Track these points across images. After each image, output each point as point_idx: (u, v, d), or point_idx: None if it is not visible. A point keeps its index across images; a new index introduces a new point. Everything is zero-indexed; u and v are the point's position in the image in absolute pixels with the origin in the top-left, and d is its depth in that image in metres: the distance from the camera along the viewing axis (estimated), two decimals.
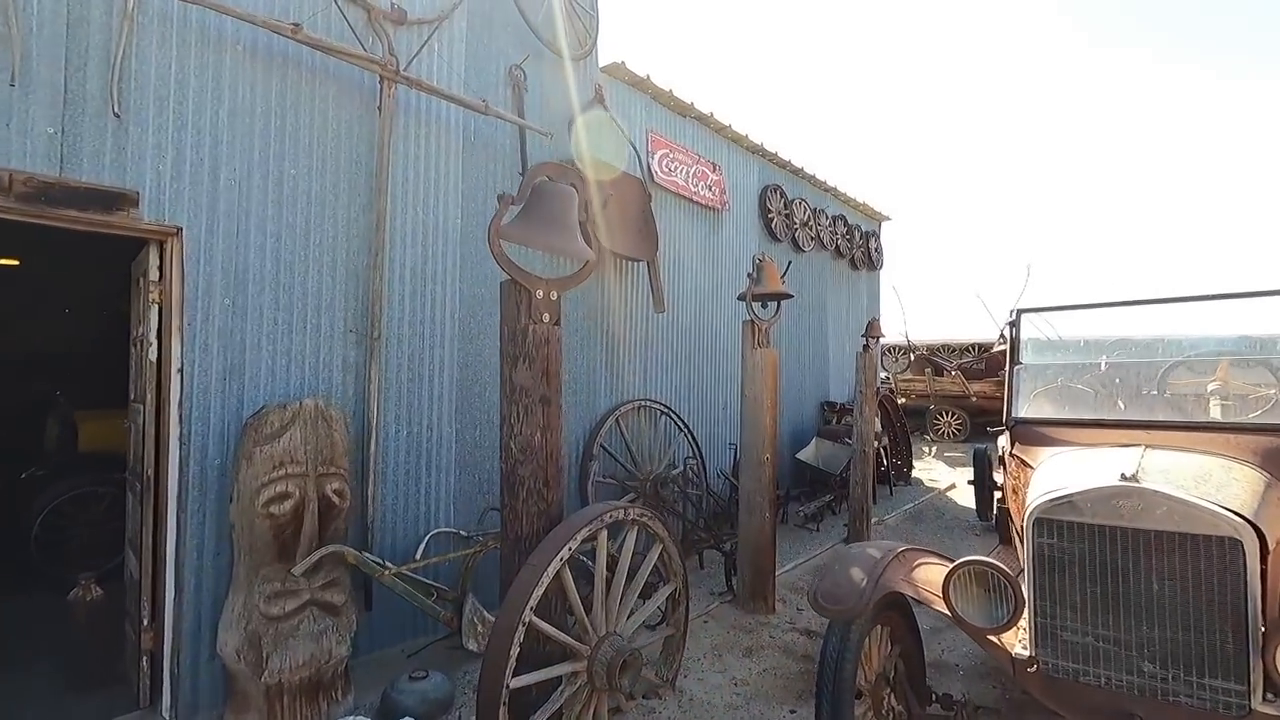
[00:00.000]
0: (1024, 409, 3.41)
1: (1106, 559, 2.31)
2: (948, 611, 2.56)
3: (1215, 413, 3.20)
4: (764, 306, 5.37)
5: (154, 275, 3.50)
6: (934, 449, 14.05)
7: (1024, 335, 3.46)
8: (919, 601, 2.67)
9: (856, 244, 10.66)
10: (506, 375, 3.23)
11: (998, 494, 8.06)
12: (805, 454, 8.05)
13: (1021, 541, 2.72)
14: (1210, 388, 3.32)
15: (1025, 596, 2.45)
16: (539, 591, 2.88)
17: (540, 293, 3.23)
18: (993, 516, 7.90)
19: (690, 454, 6.79)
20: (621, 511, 3.36)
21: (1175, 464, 2.56)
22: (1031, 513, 2.48)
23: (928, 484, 10.77)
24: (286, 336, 3.86)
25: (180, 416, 3.45)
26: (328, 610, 3.38)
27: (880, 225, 11.90)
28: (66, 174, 3.07)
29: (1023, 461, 3.29)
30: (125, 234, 3.31)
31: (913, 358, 15.38)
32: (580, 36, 5.76)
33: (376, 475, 4.21)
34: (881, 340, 7.40)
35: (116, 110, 3.20)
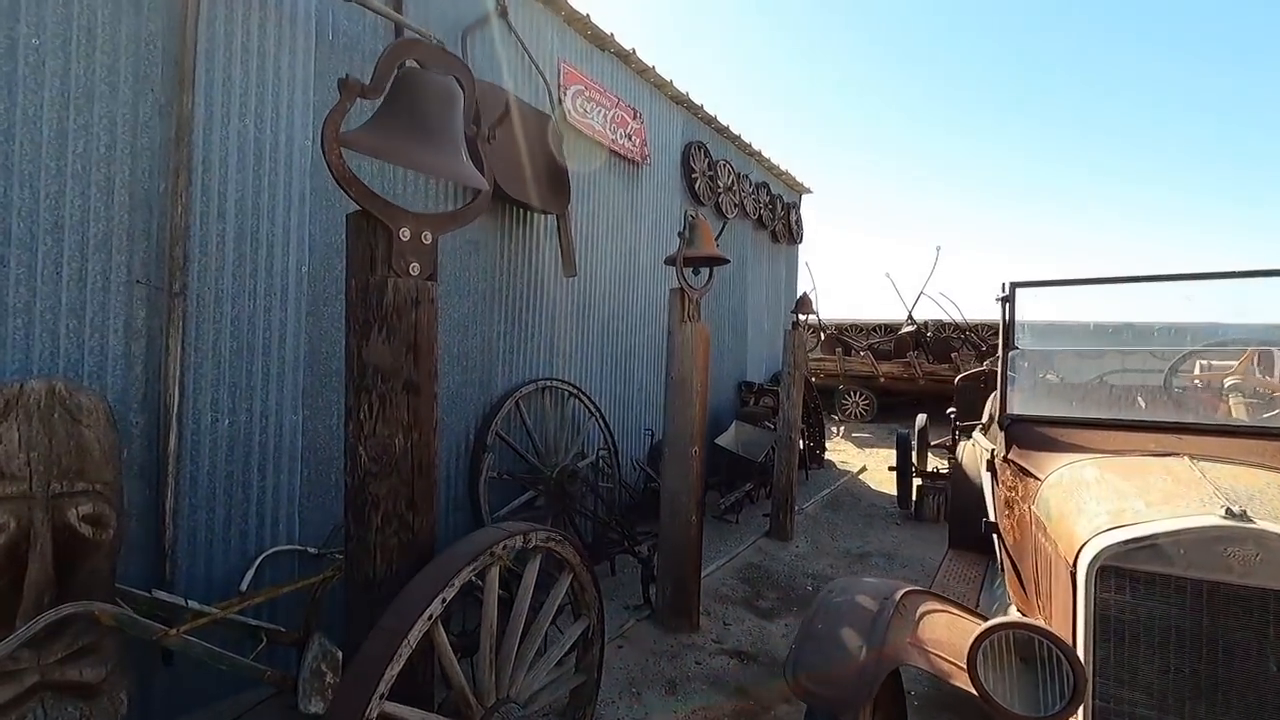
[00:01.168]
0: (1021, 404, 2.79)
1: (1203, 626, 1.65)
2: (973, 690, 1.84)
3: (1240, 413, 2.70)
4: (695, 273, 4.55)
5: None
6: (842, 429, 13.96)
7: (1019, 315, 2.83)
8: (932, 674, 1.94)
9: (778, 215, 10.07)
10: (353, 350, 2.22)
11: (917, 480, 7.80)
12: (724, 439, 7.40)
13: (1044, 589, 2.05)
14: (1228, 383, 2.84)
15: (1085, 673, 1.76)
16: (395, 668, 1.95)
17: (406, 231, 2.23)
18: (913, 505, 7.60)
19: (603, 442, 5.94)
20: (520, 538, 2.46)
21: (1265, 489, 1.95)
22: (1095, 558, 1.79)
23: (840, 467, 10.51)
24: (24, 286, 2.62)
25: None
26: (75, 692, 2.27)
27: (801, 197, 11.39)
28: None
29: (1023, 470, 2.65)
30: None
31: (823, 336, 15.21)
32: None
33: (179, 482, 3.06)
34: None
35: None
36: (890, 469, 8.06)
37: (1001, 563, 3.01)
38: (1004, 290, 2.90)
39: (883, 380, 13.94)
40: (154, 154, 2.98)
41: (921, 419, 8.81)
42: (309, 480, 3.65)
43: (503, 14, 4.84)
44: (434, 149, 2.22)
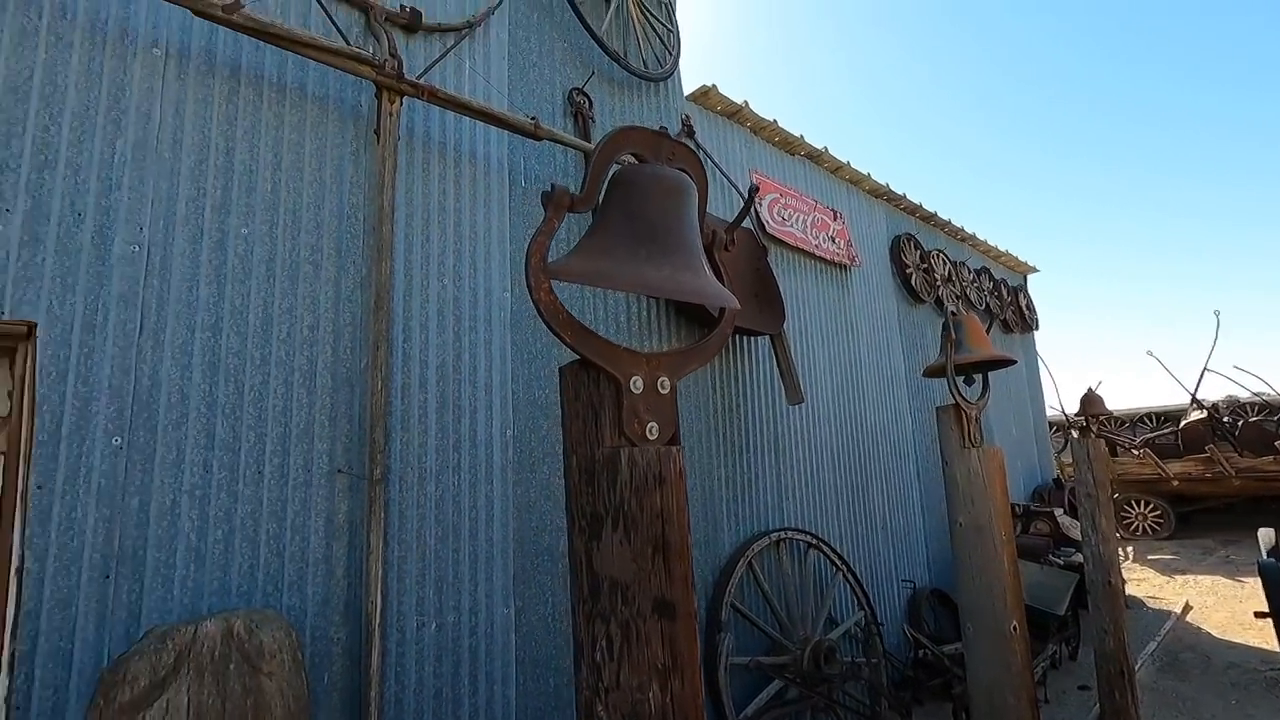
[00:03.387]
0: None
1: None
2: None
3: None
4: (968, 382, 3.54)
5: (1, 408, 2.10)
6: (1130, 551, 11.08)
7: None
8: None
9: (1006, 301, 8.64)
10: (580, 557, 1.55)
11: None
12: None
13: None
14: None
15: None
16: None
17: (639, 380, 1.58)
18: None
19: (856, 603, 4.77)
20: None
21: None
22: None
23: (1150, 604, 8.06)
24: (226, 490, 2.34)
25: (14, 656, 1.92)
26: None
27: (1026, 279, 9.84)
28: None
29: None
30: None
31: (1075, 435, 12.64)
32: (658, 53, 4.44)
33: (382, 709, 2.52)
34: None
35: None
36: (1259, 615, 5.82)
37: None
38: None
39: (1175, 484, 11.04)
40: (355, 329, 2.74)
41: (1267, 536, 6.48)
42: (526, 690, 2.97)
43: (689, 134, 4.51)
44: (668, 263, 1.59)
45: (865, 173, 6.26)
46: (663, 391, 1.64)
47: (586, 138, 3.79)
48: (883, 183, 6.50)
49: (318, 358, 2.63)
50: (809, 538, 4.60)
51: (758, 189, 3.71)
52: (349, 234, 2.80)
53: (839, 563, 4.74)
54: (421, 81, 2.87)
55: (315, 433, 2.57)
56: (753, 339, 4.64)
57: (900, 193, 6.76)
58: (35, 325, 2.05)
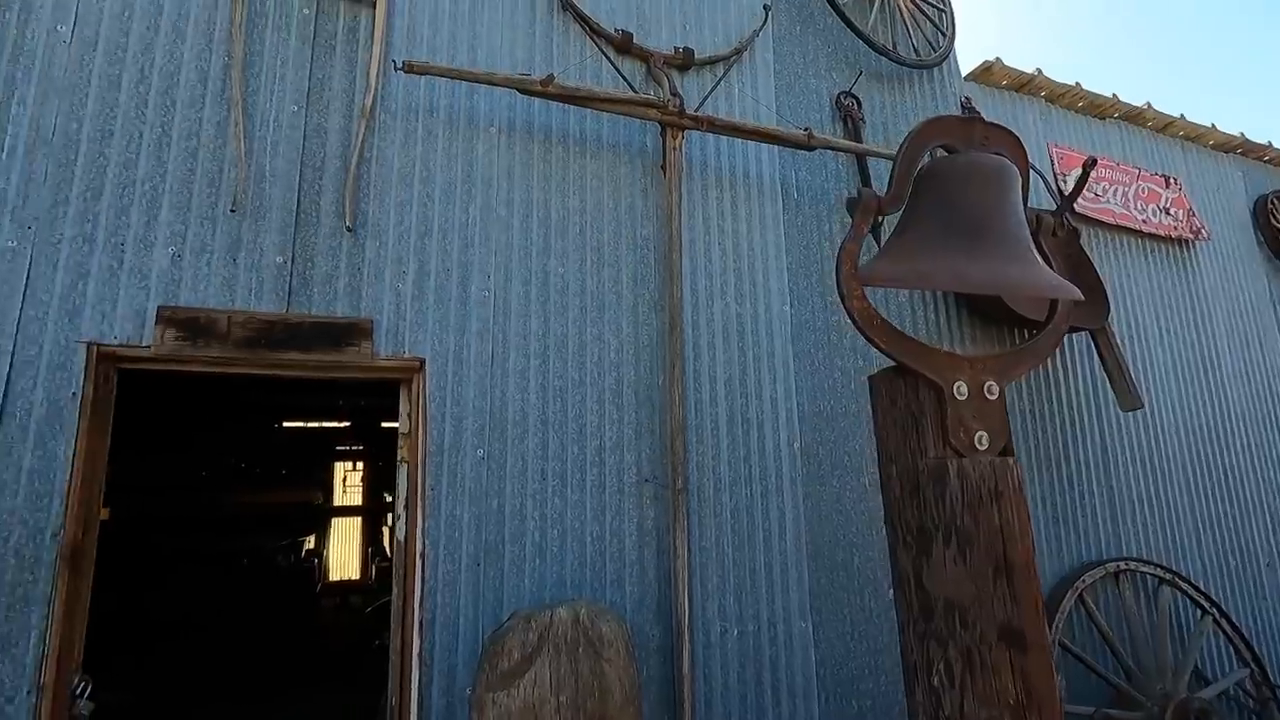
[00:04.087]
0: None
1: None
2: None
3: None
4: None
5: (404, 426, 2.69)
6: None
7: None
8: None
9: None
10: (906, 573, 1.49)
11: None
12: None
13: None
14: None
15: None
16: None
17: (963, 386, 1.47)
18: None
19: (1237, 657, 3.82)
20: None
21: None
22: None
23: None
24: (558, 496, 2.70)
25: (421, 622, 2.42)
26: None
27: None
28: (294, 308, 2.45)
29: None
30: (357, 376, 2.57)
31: None
32: (929, 37, 4.14)
33: (694, 707, 2.66)
34: None
35: (349, 224, 2.56)
36: None
37: None
38: None
39: None
40: (652, 349, 2.98)
41: None
42: (829, 711, 2.91)
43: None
44: (993, 256, 1.46)
45: (1207, 124, 5.09)
46: (990, 397, 1.51)
47: (857, 139, 3.67)
48: (1234, 133, 5.22)
49: (623, 378, 2.91)
50: (1160, 571, 3.81)
51: (1094, 162, 3.24)
52: (642, 263, 3.07)
53: (1206, 605, 3.84)
54: (700, 113, 3.05)
55: (624, 445, 2.84)
56: (1068, 335, 4.02)
57: (1263, 142, 5.36)
58: (424, 360, 2.60)
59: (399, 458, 2.66)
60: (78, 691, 2.06)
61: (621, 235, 3.06)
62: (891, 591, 3.07)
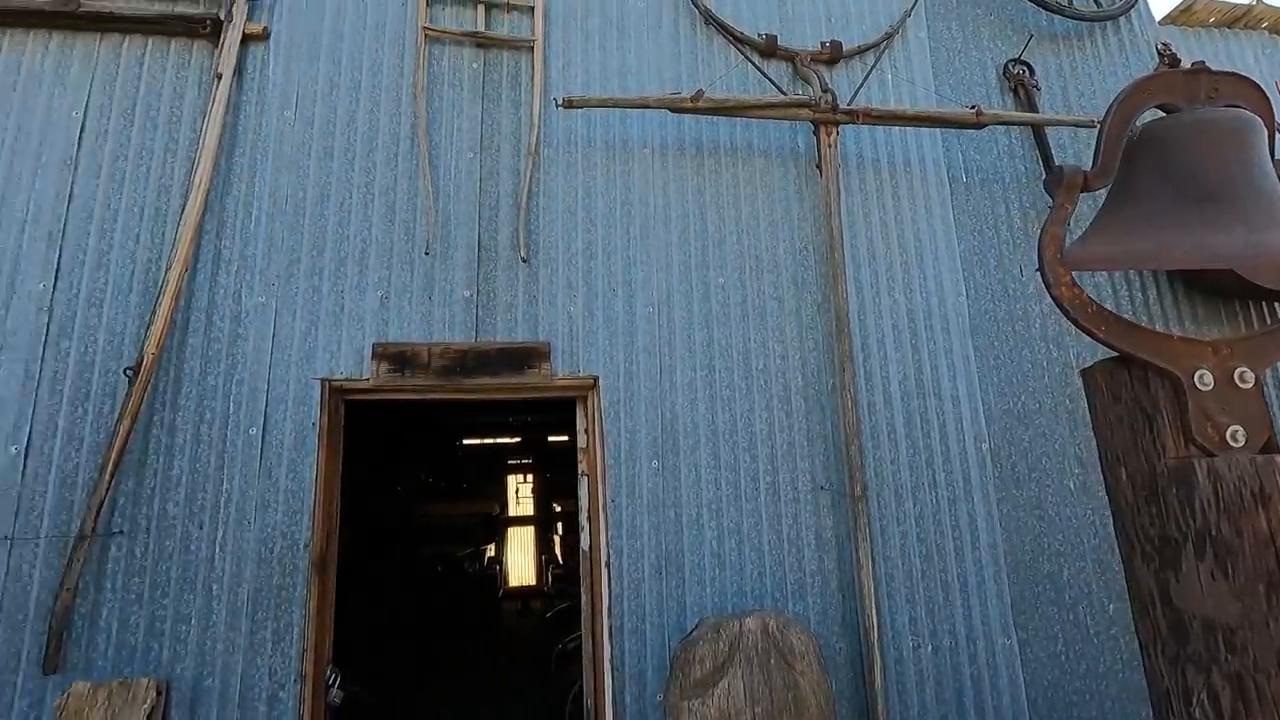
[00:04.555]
0: None
1: None
2: None
3: None
4: None
5: (582, 441, 2.84)
6: None
7: None
8: None
9: None
10: (1147, 587, 1.33)
11: None
12: None
13: None
14: None
15: None
16: None
17: (1206, 374, 1.30)
18: None
19: None
20: None
21: None
22: None
23: None
24: (732, 505, 2.70)
25: (610, 629, 2.53)
26: None
27: None
28: (481, 337, 2.67)
29: None
30: (537, 396, 2.75)
31: None
32: None
33: None
34: None
35: (524, 255, 2.75)
36: None
37: None
38: None
39: None
40: (819, 353, 2.91)
41: None
42: None
43: (1170, 67, 3.61)
44: (1239, 223, 1.28)
45: None
46: (1244, 386, 1.32)
47: (1032, 110, 3.35)
48: None
49: (790, 383, 2.86)
50: None
51: None
52: (801, 266, 3.01)
53: None
54: (853, 107, 2.95)
55: (796, 452, 2.79)
56: None
57: None
58: (598, 377, 2.72)
59: (579, 471, 2.81)
60: (330, 682, 2.37)
61: (779, 240, 3.02)
62: (1112, 608, 2.75)
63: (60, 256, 2.46)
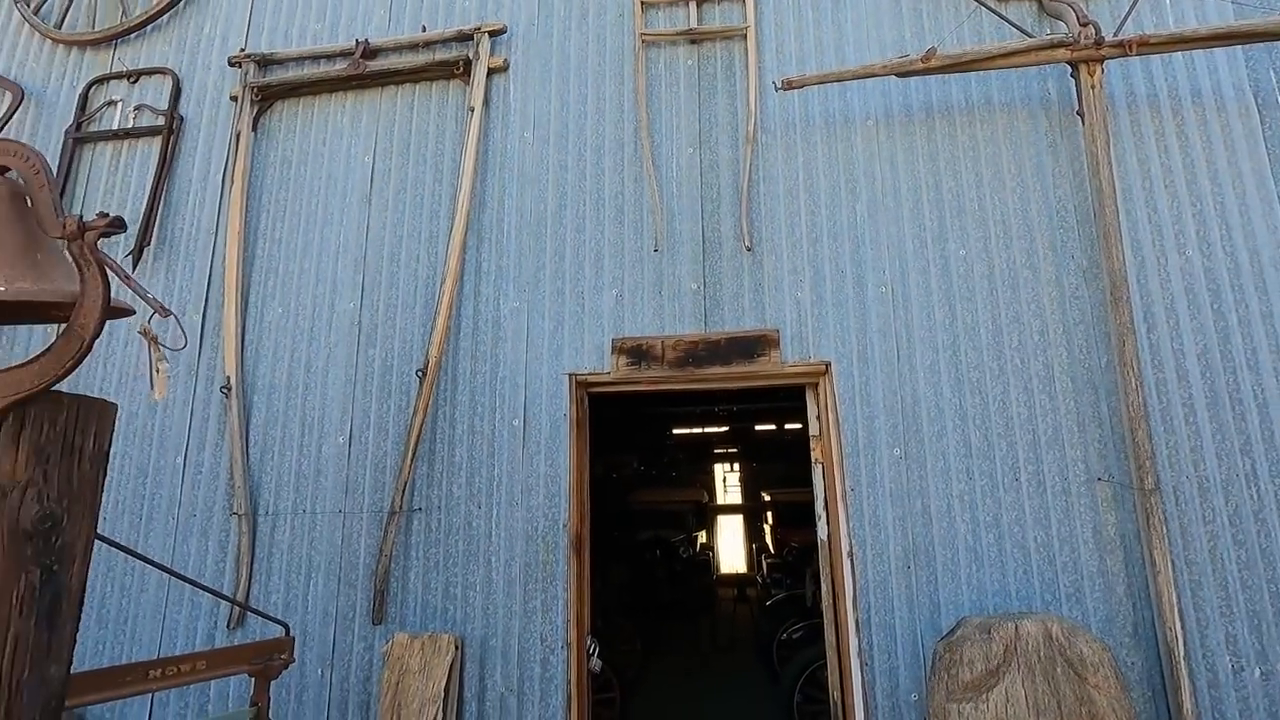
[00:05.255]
0: None
1: None
2: None
3: None
4: None
5: (814, 428, 2.78)
6: None
7: None
8: None
9: None
10: None
11: None
12: None
13: None
14: None
15: None
16: None
17: None
18: None
19: None
20: None
21: None
22: None
23: None
24: (988, 497, 2.47)
25: (857, 622, 2.45)
26: None
27: None
28: (710, 328, 2.73)
29: None
30: (767, 383, 2.73)
31: None
32: None
33: None
34: None
35: (748, 244, 2.75)
36: None
37: None
38: None
39: None
40: (1086, 325, 2.55)
41: None
42: None
43: None
44: None
45: None
46: None
47: None
48: None
49: (1053, 361, 2.55)
50: None
51: None
52: (1060, 228, 2.66)
53: None
54: (1122, 37, 2.53)
55: (1064, 439, 2.48)
56: None
57: None
58: (829, 363, 2.65)
59: (813, 459, 2.75)
60: (590, 651, 2.59)
61: (1030, 201, 2.70)
62: None
63: (364, 279, 2.96)
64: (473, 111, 2.99)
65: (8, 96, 3.36)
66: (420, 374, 2.73)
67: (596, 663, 2.60)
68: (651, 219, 2.85)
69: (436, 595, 2.62)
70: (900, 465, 2.53)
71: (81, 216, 1.30)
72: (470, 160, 2.94)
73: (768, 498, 12.97)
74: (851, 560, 2.49)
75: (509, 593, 2.59)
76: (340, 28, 3.29)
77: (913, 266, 2.70)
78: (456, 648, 2.49)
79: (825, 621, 2.64)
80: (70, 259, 1.34)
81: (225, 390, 2.86)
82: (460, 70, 3.05)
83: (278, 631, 2.14)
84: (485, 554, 2.63)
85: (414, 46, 3.15)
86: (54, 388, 1.26)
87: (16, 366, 1.23)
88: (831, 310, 2.69)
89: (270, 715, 2.00)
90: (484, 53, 3.05)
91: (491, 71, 3.08)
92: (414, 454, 2.68)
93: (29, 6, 3.54)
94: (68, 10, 3.57)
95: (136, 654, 2.71)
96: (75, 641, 1.36)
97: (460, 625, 2.58)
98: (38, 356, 1.24)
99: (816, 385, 2.74)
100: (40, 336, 3.05)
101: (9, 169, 1.34)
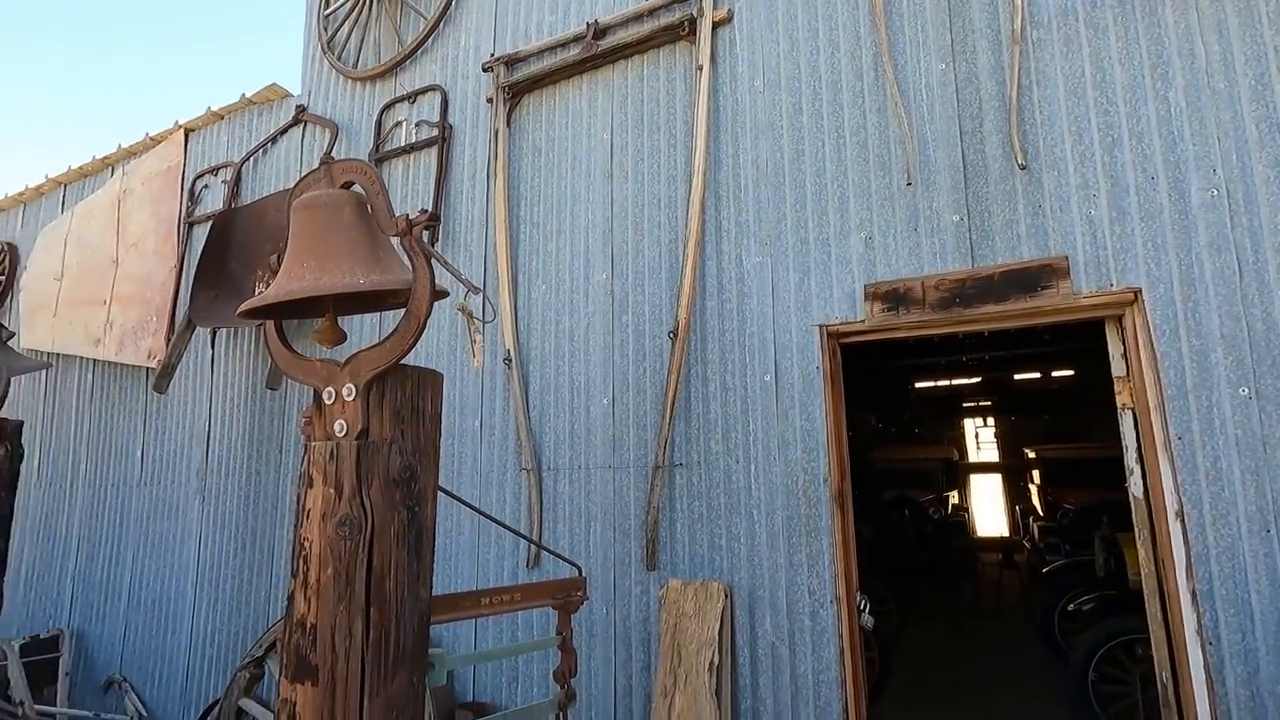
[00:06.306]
0: None
1: None
2: None
3: None
4: None
5: (1118, 368, 2.37)
6: None
7: None
8: None
9: None
10: None
11: None
12: None
13: None
14: None
15: None
16: None
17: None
18: None
19: None
20: None
21: None
22: None
23: None
24: None
25: (1194, 593, 2.07)
26: None
27: None
28: (979, 262, 2.44)
29: None
30: (1056, 320, 2.37)
31: None
32: None
33: None
34: None
35: (1021, 162, 2.40)
36: None
37: None
38: None
39: None
40: None
41: None
42: None
43: None
44: None
45: None
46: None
47: None
48: None
49: None
50: None
51: None
52: None
53: None
54: None
55: None
56: None
57: None
58: (1140, 290, 2.22)
59: (1119, 405, 2.35)
60: (861, 607, 2.52)
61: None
62: None
63: (612, 250, 3.14)
64: (700, 69, 2.97)
65: (328, 133, 4.11)
66: (672, 335, 2.84)
67: (869, 619, 2.53)
68: (901, 150, 2.61)
69: (703, 545, 2.74)
70: (1250, 407, 2.06)
71: (407, 215, 1.53)
72: (702, 119, 2.94)
73: (1032, 454, 11.57)
74: (1182, 521, 2.09)
75: (773, 545, 2.61)
76: (571, 13, 3.47)
77: (1256, 159, 2.14)
78: (726, 595, 2.59)
79: (1146, 591, 2.27)
80: (402, 252, 1.59)
81: (507, 362, 3.24)
82: (686, 31, 3.04)
83: (569, 572, 2.39)
84: (746, 507, 2.68)
85: (639, 17, 3.21)
86: (400, 362, 1.50)
87: (372, 347, 1.49)
88: (1139, 226, 2.25)
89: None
90: (707, 7, 3.01)
91: (716, 25, 3.03)
92: (671, 412, 2.80)
93: (334, 54, 4.27)
94: (360, 49, 4.23)
95: (460, 585, 3.23)
96: (433, 570, 1.63)
97: (728, 574, 2.67)
98: (386, 338, 1.49)
99: (1121, 318, 2.32)
100: (346, 324, 3.71)
101: (354, 183, 1.62)
